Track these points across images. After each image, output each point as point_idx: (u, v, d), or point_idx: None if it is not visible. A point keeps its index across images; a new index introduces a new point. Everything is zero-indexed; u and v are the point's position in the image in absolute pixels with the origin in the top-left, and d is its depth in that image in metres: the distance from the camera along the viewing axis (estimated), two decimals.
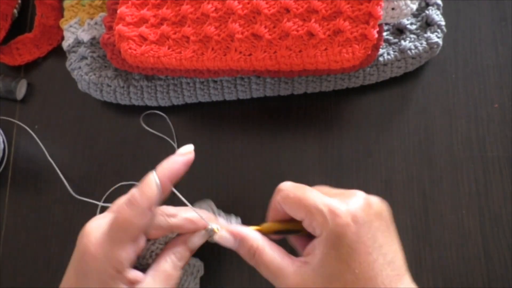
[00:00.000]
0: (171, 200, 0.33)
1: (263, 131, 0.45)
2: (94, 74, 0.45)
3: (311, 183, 0.42)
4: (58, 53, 0.50)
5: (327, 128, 0.44)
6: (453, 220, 0.41)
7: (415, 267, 0.40)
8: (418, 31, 0.42)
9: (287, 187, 0.32)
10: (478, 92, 0.43)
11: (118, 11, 0.42)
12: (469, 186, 0.41)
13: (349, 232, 0.29)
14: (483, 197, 0.41)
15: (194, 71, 0.42)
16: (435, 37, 0.41)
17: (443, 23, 0.42)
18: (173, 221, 0.32)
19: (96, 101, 0.47)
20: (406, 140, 0.43)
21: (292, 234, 0.34)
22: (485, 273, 0.39)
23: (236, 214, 0.38)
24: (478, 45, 0.44)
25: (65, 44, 0.46)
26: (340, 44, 0.37)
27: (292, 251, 0.33)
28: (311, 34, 0.37)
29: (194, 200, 0.41)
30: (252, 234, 0.32)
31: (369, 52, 0.37)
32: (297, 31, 0.37)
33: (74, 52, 0.46)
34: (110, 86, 0.45)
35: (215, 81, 0.44)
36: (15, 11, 0.50)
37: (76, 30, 0.46)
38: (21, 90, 0.49)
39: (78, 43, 0.46)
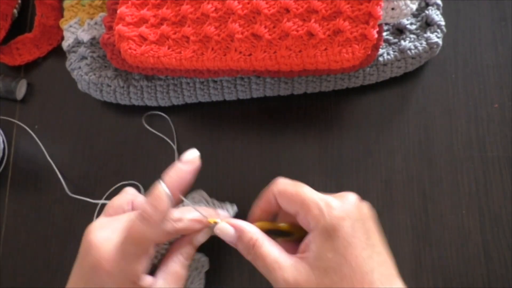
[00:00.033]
0: None
1: (263, 131, 0.45)
2: (94, 74, 0.45)
3: (311, 183, 0.42)
4: (58, 53, 0.50)
5: (327, 128, 0.44)
6: (453, 220, 0.41)
7: (415, 267, 0.40)
8: (418, 31, 0.42)
9: (285, 180, 0.33)
10: (478, 92, 0.43)
11: (118, 11, 0.42)
12: (469, 186, 0.41)
13: (344, 226, 0.29)
14: (483, 197, 0.41)
15: (194, 71, 0.42)
16: (435, 37, 0.41)
17: (443, 23, 0.42)
18: (180, 225, 0.32)
19: (96, 101, 0.47)
20: (406, 140, 0.43)
21: (280, 236, 0.34)
22: (485, 273, 0.39)
23: (236, 214, 0.38)
24: (478, 45, 0.44)
25: (65, 44, 0.46)
26: (340, 44, 0.37)
27: None
28: (311, 34, 0.37)
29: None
30: (251, 227, 0.32)
31: (369, 52, 0.37)
32: (297, 31, 0.37)
33: (74, 52, 0.46)
34: (110, 86, 0.45)
35: (215, 81, 0.44)
36: (15, 11, 0.51)
37: (76, 30, 0.46)
38: (21, 90, 0.49)
39: (78, 43, 0.46)
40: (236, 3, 0.38)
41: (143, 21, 0.42)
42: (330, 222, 0.29)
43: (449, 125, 0.43)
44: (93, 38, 0.46)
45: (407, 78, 0.44)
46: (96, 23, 0.46)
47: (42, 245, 0.45)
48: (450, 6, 0.45)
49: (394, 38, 0.42)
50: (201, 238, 0.34)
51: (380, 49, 0.41)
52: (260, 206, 0.35)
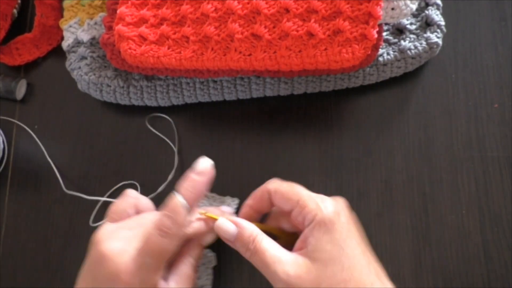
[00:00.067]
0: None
1: (263, 131, 0.45)
2: (94, 74, 0.45)
3: (311, 183, 0.42)
4: (58, 53, 0.50)
5: (327, 128, 0.44)
6: (453, 220, 0.41)
7: (415, 267, 0.40)
8: (418, 31, 0.42)
9: (278, 180, 0.34)
10: (478, 92, 0.43)
11: (118, 11, 0.42)
12: (469, 186, 0.41)
13: (340, 220, 0.31)
14: (483, 197, 0.41)
15: (194, 71, 0.42)
16: (435, 37, 0.41)
17: (442, 23, 0.42)
18: (189, 231, 0.33)
19: (96, 101, 0.47)
20: (406, 140, 0.43)
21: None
22: (485, 273, 0.39)
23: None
24: (478, 45, 0.44)
25: (64, 44, 0.46)
26: (340, 44, 0.37)
27: None
28: (311, 34, 0.37)
29: None
30: (250, 224, 0.32)
31: (369, 52, 0.37)
32: (297, 31, 0.37)
33: (74, 52, 0.46)
34: (110, 86, 0.45)
35: (215, 81, 0.44)
36: (15, 11, 0.50)
37: (75, 30, 0.46)
38: (20, 90, 0.49)
39: (78, 43, 0.46)
40: (236, 3, 0.38)
41: (143, 21, 0.42)
42: (327, 215, 0.30)
43: (449, 125, 0.43)
44: (93, 38, 0.46)
45: (407, 78, 0.44)
46: (96, 23, 0.46)
47: (42, 245, 0.45)
48: (450, 6, 0.45)
49: (394, 38, 0.42)
50: (209, 239, 0.34)
51: (380, 49, 0.41)
52: (251, 205, 0.35)
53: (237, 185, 0.44)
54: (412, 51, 0.41)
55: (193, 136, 0.46)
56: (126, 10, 0.41)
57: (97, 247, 0.31)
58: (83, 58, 0.46)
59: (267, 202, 0.34)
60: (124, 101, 0.45)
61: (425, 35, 0.42)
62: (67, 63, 0.46)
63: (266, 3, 0.38)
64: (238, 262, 0.41)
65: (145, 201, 0.36)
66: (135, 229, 0.32)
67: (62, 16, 0.48)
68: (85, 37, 0.45)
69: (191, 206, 0.31)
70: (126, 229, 0.32)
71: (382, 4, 0.36)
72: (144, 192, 0.44)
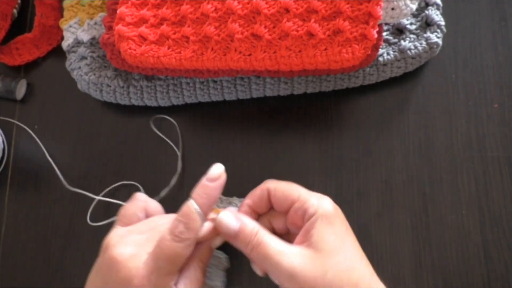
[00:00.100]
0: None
1: (263, 131, 0.45)
2: (94, 74, 0.45)
3: (311, 183, 0.42)
4: (58, 53, 0.50)
5: (327, 128, 0.44)
6: (453, 220, 0.41)
7: (415, 267, 0.40)
8: (418, 31, 0.42)
9: (275, 180, 0.34)
10: (478, 92, 0.43)
11: (118, 11, 0.42)
12: (469, 186, 0.41)
13: (339, 215, 0.32)
14: (483, 197, 0.41)
15: (194, 71, 0.42)
16: (435, 37, 0.41)
17: (442, 23, 0.42)
18: (200, 234, 0.32)
19: (96, 101, 0.47)
20: (406, 140, 0.43)
21: None
22: (485, 273, 0.39)
23: None
24: (478, 45, 0.44)
25: (64, 44, 0.46)
26: (339, 44, 0.37)
27: None
28: (310, 34, 0.37)
29: None
30: (252, 220, 0.32)
31: (369, 52, 0.37)
32: (297, 31, 0.37)
33: (74, 52, 0.46)
34: (110, 86, 0.45)
35: (215, 81, 0.44)
36: (15, 11, 0.50)
37: (75, 30, 0.46)
38: (20, 90, 0.49)
39: (78, 43, 0.46)
40: (236, 3, 0.38)
41: (143, 21, 0.42)
42: (329, 210, 0.31)
43: (449, 125, 0.43)
44: (93, 38, 0.46)
45: (407, 78, 0.44)
46: (96, 23, 0.46)
47: (42, 245, 0.45)
48: (450, 6, 0.45)
49: (394, 38, 0.42)
50: (218, 242, 0.34)
51: (380, 49, 0.41)
52: (250, 204, 0.35)
53: (237, 185, 0.44)
54: (412, 51, 0.41)
55: (193, 136, 0.46)
56: (126, 10, 0.41)
57: (108, 251, 0.31)
58: (83, 58, 0.46)
59: (266, 202, 0.34)
60: (124, 101, 0.45)
61: (425, 35, 0.42)
62: (67, 63, 0.46)
63: (266, 3, 0.38)
64: (238, 262, 0.41)
65: (154, 205, 0.36)
66: (146, 233, 0.32)
67: (62, 16, 0.48)
68: (85, 37, 0.45)
69: (205, 211, 0.31)
70: (136, 233, 0.32)
71: (382, 4, 0.36)
72: (145, 192, 0.44)
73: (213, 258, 0.39)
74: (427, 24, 0.42)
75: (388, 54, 0.42)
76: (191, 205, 0.31)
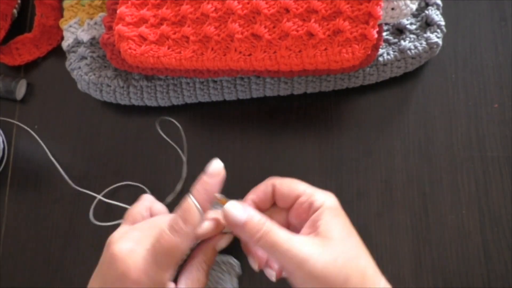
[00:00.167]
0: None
1: (263, 131, 0.45)
2: (94, 74, 0.45)
3: (311, 183, 0.42)
4: (58, 53, 0.50)
5: (327, 128, 0.44)
6: (453, 220, 0.41)
7: (415, 267, 0.40)
8: (418, 31, 0.42)
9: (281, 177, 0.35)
10: (478, 92, 0.43)
11: (118, 11, 0.42)
12: (469, 186, 0.41)
13: (342, 209, 0.33)
14: (483, 197, 0.41)
15: (194, 71, 0.42)
16: (435, 37, 0.41)
17: (442, 23, 0.42)
18: (199, 231, 0.33)
19: (96, 101, 0.47)
20: (406, 140, 0.43)
21: None
22: (485, 273, 0.39)
23: None
24: (478, 45, 0.44)
25: (64, 44, 0.46)
26: (339, 44, 0.37)
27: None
28: (310, 34, 0.37)
29: None
30: (258, 212, 0.32)
31: (369, 52, 0.37)
32: (297, 31, 0.37)
33: (73, 52, 0.46)
34: (110, 86, 0.45)
35: (215, 81, 0.44)
36: (15, 11, 0.50)
37: (75, 30, 0.46)
38: (20, 90, 0.49)
39: (78, 43, 0.46)
40: (236, 3, 0.38)
41: (143, 21, 0.42)
42: (334, 203, 0.32)
43: (449, 125, 0.43)
44: (93, 38, 0.46)
45: (407, 78, 0.44)
46: (96, 23, 0.46)
47: (42, 245, 0.45)
48: (450, 6, 0.45)
49: (394, 38, 0.42)
50: (223, 244, 0.34)
51: (380, 49, 0.41)
52: (253, 199, 0.35)
53: (237, 185, 0.44)
54: (412, 51, 0.41)
55: (193, 136, 0.45)
56: (126, 10, 0.41)
57: (109, 248, 0.31)
58: (83, 58, 0.46)
59: (270, 197, 0.34)
60: (124, 101, 0.45)
61: (425, 35, 0.42)
62: (67, 63, 0.46)
63: (266, 3, 0.38)
64: (240, 261, 0.41)
65: (160, 206, 0.38)
66: (146, 231, 0.32)
67: (62, 16, 0.48)
68: (85, 37, 0.45)
69: (203, 206, 0.31)
70: (138, 231, 0.33)
71: (382, 4, 0.36)
72: (144, 192, 0.44)
73: (226, 265, 0.39)
74: (427, 24, 0.42)
75: (388, 54, 0.42)
76: (190, 200, 0.31)
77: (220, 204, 0.37)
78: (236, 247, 0.35)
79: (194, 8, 0.40)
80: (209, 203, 0.32)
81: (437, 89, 0.44)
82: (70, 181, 0.45)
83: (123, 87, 0.44)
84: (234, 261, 0.40)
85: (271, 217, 0.35)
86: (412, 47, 0.41)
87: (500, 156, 0.42)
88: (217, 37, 0.39)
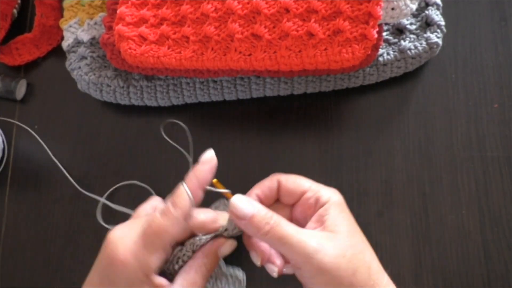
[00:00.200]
0: None
1: (263, 131, 0.45)
2: (94, 74, 0.45)
3: None
4: (58, 53, 0.50)
5: (327, 128, 0.44)
6: (453, 220, 0.41)
7: (415, 267, 0.40)
8: (418, 31, 0.42)
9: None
10: (478, 92, 0.43)
11: (118, 11, 0.42)
12: (469, 186, 0.41)
13: (346, 205, 0.33)
14: (483, 197, 0.41)
15: (194, 71, 0.42)
16: (435, 37, 0.41)
17: (442, 23, 0.42)
18: (194, 222, 0.33)
19: (96, 101, 0.47)
20: (406, 140, 0.43)
21: None
22: (485, 273, 0.39)
23: None
24: (478, 45, 0.44)
25: (64, 44, 0.46)
26: (339, 44, 0.37)
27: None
28: (310, 34, 0.37)
29: None
30: (265, 207, 0.32)
31: (369, 52, 0.37)
32: (297, 31, 0.37)
33: (73, 52, 0.46)
34: (110, 86, 0.45)
35: (214, 81, 0.44)
36: (15, 11, 0.50)
37: (75, 30, 0.46)
38: (20, 90, 0.49)
39: (78, 43, 0.46)
40: (236, 3, 0.38)
41: (143, 21, 0.42)
42: (340, 199, 0.33)
43: (449, 125, 0.43)
44: (93, 38, 0.46)
45: (407, 78, 0.44)
46: (96, 23, 0.46)
47: (42, 245, 0.45)
48: (450, 6, 0.45)
49: (394, 38, 0.42)
50: (226, 250, 0.34)
51: (380, 49, 0.41)
52: (258, 194, 0.35)
53: (237, 185, 0.44)
54: (412, 51, 0.41)
55: (193, 136, 0.45)
56: (126, 10, 0.41)
57: (106, 237, 0.32)
58: (83, 58, 0.46)
59: (274, 193, 0.35)
60: (124, 101, 0.45)
61: (425, 35, 0.42)
62: (67, 63, 0.46)
63: (266, 3, 0.38)
64: (238, 262, 0.41)
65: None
66: (142, 219, 0.33)
67: (62, 16, 0.48)
68: (85, 37, 0.45)
69: (194, 192, 0.32)
70: (134, 222, 0.33)
71: (382, 4, 0.36)
72: (144, 191, 0.44)
73: (233, 277, 0.39)
74: (427, 24, 0.42)
75: (388, 54, 0.42)
76: (181, 187, 0.32)
77: (225, 207, 0.37)
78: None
79: (194, 8, 0.40)
80: (201, 189, 0.33)
81: (437, 89, 0.44)
82: (76, 184, 0.45)
83: (123, 87, 0.44)
84: (240, 274, 0.40)
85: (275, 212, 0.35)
86: (412, 47, 0.41)
87: (500, 156, 0.42)
88: (217, 37, 0.39)
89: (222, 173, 0.44)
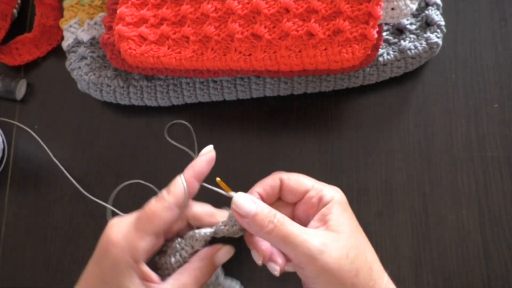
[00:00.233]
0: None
1: (263, 131, 0.45)
2: (94, 74, 0.45)
3: None
4: (58, 53, 0.50)
5: (327, 128, 0.44)
6: (453, 220, 0.41)
7: (415, 267, 0.40)
8: (418, 31, 0.42)
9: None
10: (478, 92, 0.43)
11: (118, 11, 0.42)
12: (469, 186, 0.41)
13: (348, 205, 0.34)
14: (483, 197, 0.41)
15: (194, 71, 0.42)
16: (435, 37, 0.41)
17: (442, 23, 0.42)
18: (190, 212, 0.34)
19: (96, 101, 0.47)
20: (406, 140, 0.43)
21: None
22: (485, 273, 0.39)
23: None
24: (478, 45, 0.44)
25: (64, 44, 0.46)
26: (339, 44, 0.37)
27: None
28: (310, 34, 0.37)
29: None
30: (267, 206, 0.32)
31: (369, 52, 0.37)
32: (297, 31, 0.37)
33: (73, 52, 0.46)
34: (110, 86, 0.45)
35: (214, 81, 0.44)
36: (15, 11, 0.50)
37: (75, 30, 0.46)
38: (20, 90, 0.49)
39: (78, 43, 0.46)
40: (236, 3, 0.38)
41: (143, 21, 0.42)
42: (343, 198, 0.33)
43: (449, 125, 0.43)
44: (93, 38, 0.46)
45: (407, 78, 0.44)
46: (96, 23, 0.46)
47: (42, 245, 0.45)
48: (450, 6, 0.45)
49: (394, 38, 0.42)
50: (223, 257, 0.34)
51: (380, 49, 0.41)
52: (259, 192, 0.35)
53: (237, 185, 0.44)
54: (412, 51, 0.41)
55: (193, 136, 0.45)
56: (126, 10, 0.41)
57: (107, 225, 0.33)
58: (83, 58, 0.46)
59: (276, 191, 0.35)
60: (124, 101, 0.45)
61: (425, 35, 0.42)
62: (67, 63, 0.46)
63: (266, 3, 0.38)
64: (238, 262, 0.41)
65: None
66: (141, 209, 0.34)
67: (62, 16, 0.48)
68: (85, 37, 0.45)
69: (189, 181, 0.33)
70: (133, 213, 0.34)
71: (382, 4, 0.36)
72: (145, 192, 0.44)
73: None
74: (427, 24, 0.42)
75: (388, 54, 0.42)
76: (179, 177, 0.34)
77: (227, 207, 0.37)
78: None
79: (194, 8, 0.40)
80: (197, 180, 0.34)
81: (437, 89, 0.44)
82: (81, 188, 0.44)
83: (123, 87, 0.44)
84: (237, 287, 0.40)
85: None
86: (412, 47, 0.41)
87: (500, 156, 0.42)
88: (217, 37, 0.39)
89: (222, 173, 0.44)
